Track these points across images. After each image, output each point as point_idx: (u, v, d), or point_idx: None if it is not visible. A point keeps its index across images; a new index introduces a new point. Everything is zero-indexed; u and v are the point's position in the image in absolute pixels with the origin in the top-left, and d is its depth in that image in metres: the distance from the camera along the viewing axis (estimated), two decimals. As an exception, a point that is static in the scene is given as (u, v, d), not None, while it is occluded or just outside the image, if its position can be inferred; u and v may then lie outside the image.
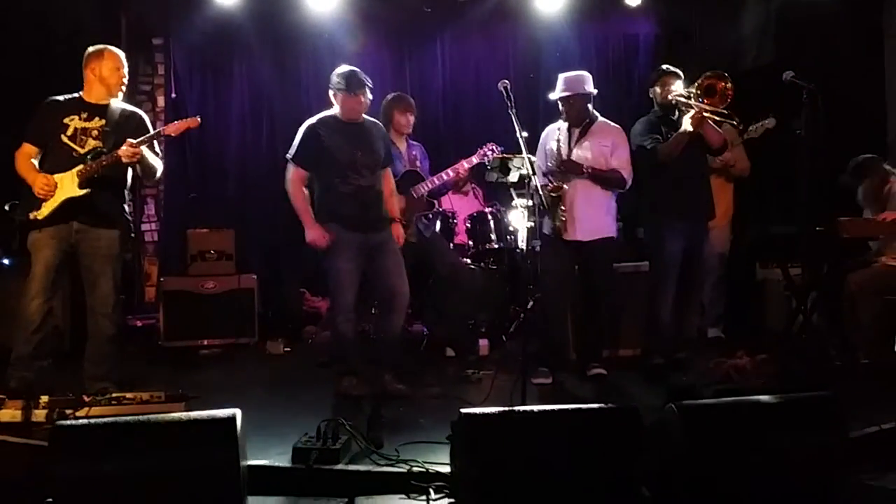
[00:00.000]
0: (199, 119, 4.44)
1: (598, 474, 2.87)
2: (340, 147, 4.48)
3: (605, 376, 4.86)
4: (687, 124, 4.68)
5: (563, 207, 4.69)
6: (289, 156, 4.56)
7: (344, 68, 4.52)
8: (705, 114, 4.62)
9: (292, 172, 4.54)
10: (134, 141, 4.17)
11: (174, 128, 4.40)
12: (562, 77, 4.92)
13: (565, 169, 4.77)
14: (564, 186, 4.69)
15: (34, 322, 4.17)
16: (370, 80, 4.53)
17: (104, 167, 4.19)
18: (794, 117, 4.62)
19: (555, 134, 4.90)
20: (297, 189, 4.55)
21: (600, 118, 4.95)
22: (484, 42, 7.52)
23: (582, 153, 4.83)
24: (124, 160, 4.17)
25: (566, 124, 4.88)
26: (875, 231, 5.20)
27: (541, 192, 4.35)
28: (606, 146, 4.84)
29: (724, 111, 4.63)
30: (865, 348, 4.98)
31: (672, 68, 4.99)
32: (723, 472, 2.91)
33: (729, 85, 4.61)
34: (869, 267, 5.14)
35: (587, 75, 4.91)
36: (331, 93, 4.55)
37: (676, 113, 4.85)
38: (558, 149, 4.79)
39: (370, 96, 4.55)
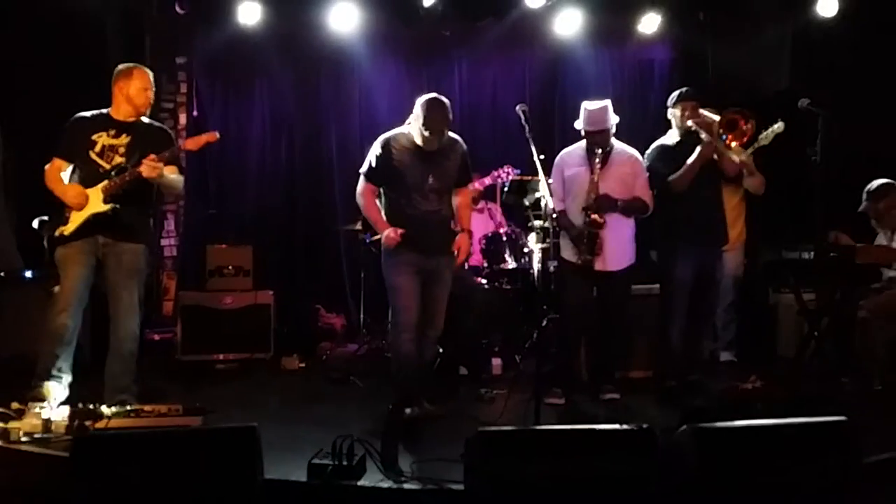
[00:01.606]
0: (217, 134, 4.52)
1: (613, 495, 2.89)
2: (411, 169, 4.37)
3: (618, 400, 4.88)
4: (697, 153, 4.73)
5: (598, 241, 4.73)
6: (361, 171, 4.50)
7: (430, 101, 4.29)
8: (721, 148, 4.66)
9: (363, 187, 4.48)
10: (155, 156, 4.25)
11: (194, 142, 4.49)
12: (586, 108, 4.89)
13: (600, 206, 4.75)
14: (602, 221, 4.70)
15: (61, 335, 4.24)
16: (451, 118, 4.33)
17: (128, 182, 4.27)
18: (810, 143, 4.64)
19: (573, 161, 4.92)
20: (370, 201, 4.48)
21: (617, 144, 4.96)
22: (501, 65, 7.60)
23: (606, 183, 4.82)
24: (145, 175, 4.24)
25: (584, 151, 4.92)
26: (889, 258, 5.22)
27: (576, 226, 4.48)
28: (628, 173, 4.87)
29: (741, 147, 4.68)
30: (878, 375, 4.98)
31: (691, 92, 5.00)
32: (736, 496, 2.93)
33: (751, 124, 4.65)
34: (882, 293, 5.15)
35: (608, 107, 4.88)
36: (413, 113, 4.38)
37: (694, 138, 4.87)
38: (590, 181, 4.79)
39: (444, 137, 4.37)
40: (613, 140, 4.95)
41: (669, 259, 4.93)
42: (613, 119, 4.88)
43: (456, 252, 4.51)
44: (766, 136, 5.52)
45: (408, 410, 4.38)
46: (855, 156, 5.64)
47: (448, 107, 4.33)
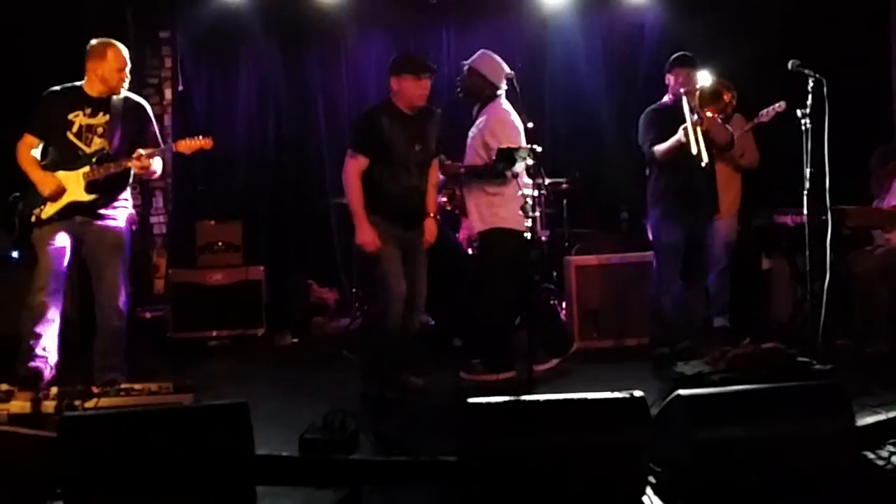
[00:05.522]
0: (211, 141, 4.47)
1: (605, 463, 2.88)
2: (398, 140, 4.30)
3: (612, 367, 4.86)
4: (681, 133, 4.68)
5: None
6: (350, 147, 4.39)
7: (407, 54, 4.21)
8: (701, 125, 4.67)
9: (351, 164, 4.31)
10: (144, 153, 4.24)
11: (186, 146, 4.41)
12: None
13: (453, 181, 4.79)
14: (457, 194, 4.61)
15: (41, 314, 4.19)
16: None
17: (112, 174, 4.24)
18: (801, 106, 4.60)
19: None
20: (356, 181, 4.30)
21: (496, 103, 4.74)
22: (489, 33, 7.46)
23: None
24: (136, 171, 4.28)
25: None
26: (879, 221, 5.20)
27: None
28: (475, 130, 4.74)
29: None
30: (873, 335, 4.96)
31: (685, 58, 4.95)
32: (728, 461, 2.93)
33: (734, 98, 4.67)
34: (876, 252, 5.13)
35: (486, 58, 4.81)
36: (392, 79, 4.37)
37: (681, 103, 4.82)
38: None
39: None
40: (496, 99, 4.75)
41: (660, 227, 4.93)
42: (481, 65, 4.77)
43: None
44: (767, 113, 5.50)
45: (388, 392, 4.27)
46: (846, 116, 5.59)
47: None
